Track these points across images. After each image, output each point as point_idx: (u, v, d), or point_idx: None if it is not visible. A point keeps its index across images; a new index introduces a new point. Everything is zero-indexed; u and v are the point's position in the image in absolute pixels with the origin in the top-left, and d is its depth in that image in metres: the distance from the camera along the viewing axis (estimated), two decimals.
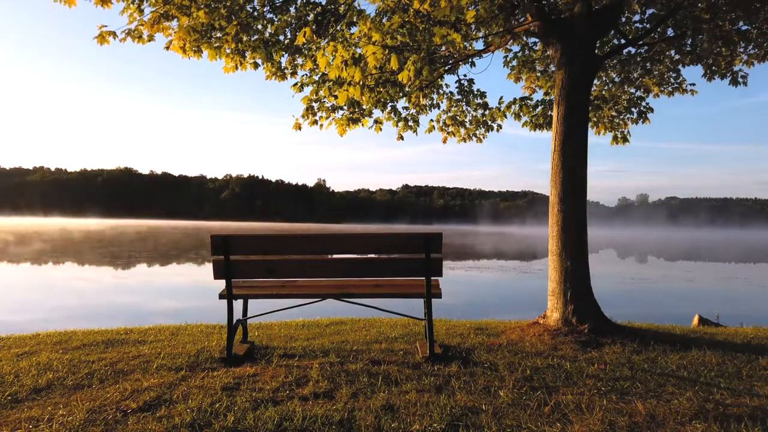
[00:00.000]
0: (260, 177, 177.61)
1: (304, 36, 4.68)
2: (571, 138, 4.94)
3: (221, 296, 3.89)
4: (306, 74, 6.33)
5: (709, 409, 2.87)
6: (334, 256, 3.97)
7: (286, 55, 5.90)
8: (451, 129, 7.30)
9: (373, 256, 4.01)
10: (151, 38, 5.09)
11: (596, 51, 5.28)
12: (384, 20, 5.41)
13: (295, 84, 6.31)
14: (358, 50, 4.98)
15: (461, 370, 3.56)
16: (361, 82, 5.27)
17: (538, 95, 7.05)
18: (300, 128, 6.42)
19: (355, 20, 5.75)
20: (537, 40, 6.32)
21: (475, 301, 12.25)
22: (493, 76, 8.82)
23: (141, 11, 4.97)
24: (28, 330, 5.17)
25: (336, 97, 5.71)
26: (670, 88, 6.70)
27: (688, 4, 5.01)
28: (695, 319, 7.29)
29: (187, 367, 3.62)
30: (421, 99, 6.74)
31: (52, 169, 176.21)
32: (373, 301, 4.12)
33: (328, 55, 5.15)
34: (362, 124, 6.42)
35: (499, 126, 7.29)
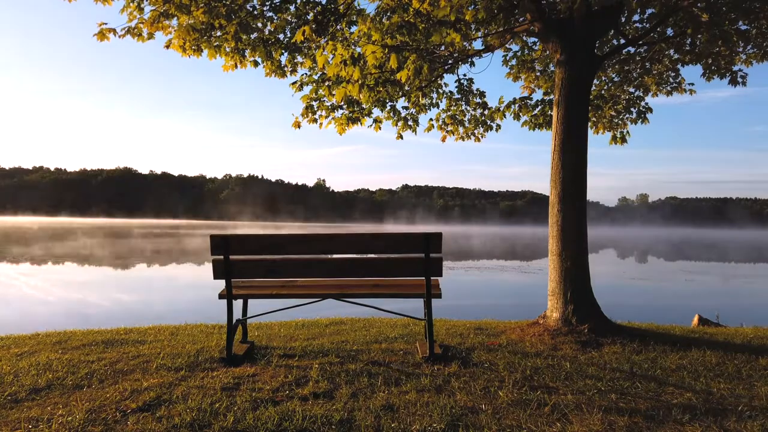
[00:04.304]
0: (260, 177, 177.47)
1: (303, 34, 4.68)
2: (570, 138, 4.94)
3: (221, 296, 3.88)
4: (306, 73, 6.34)
5: (709, 409, 2.87)
6: (334, 256, 3.96)
7: (285, 54, 5.90)
8: (450, 128, 7.31)
9: (373, 256, 4.00)
10: (151, 36, 5.10)
11: (596, 51, 5.27)
12: (384, 19, 5.41)
13: (294, 83, 6.33)
14: (358, 49, 4.98)
15: (461, 370, 3.55)
16: (359, 81, 5.28)
17: (538, 95, 7.06)
18: (299, 126, 6.44)
19: (354, 19, 5.76)
20: (536, 39, 6.32)
21: (475, 300, 12.25)
22: (493, 75, 8.84)
23: (141, 9, 4.97)
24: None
25: (335, 95, 5.71)
26: (668, 88, 6.71)
27: (687, 4, 5.00)
28: (695, 319, 7.28)
29: (186, 367, 3.62)
30: (420, 98, 6.75)
31: (52, 169, 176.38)
32: (373, 301, 4.11)
33: (327, 53, 5.15)
34: (361, 123, 6.44)
35: (498, 126, 7.30)
